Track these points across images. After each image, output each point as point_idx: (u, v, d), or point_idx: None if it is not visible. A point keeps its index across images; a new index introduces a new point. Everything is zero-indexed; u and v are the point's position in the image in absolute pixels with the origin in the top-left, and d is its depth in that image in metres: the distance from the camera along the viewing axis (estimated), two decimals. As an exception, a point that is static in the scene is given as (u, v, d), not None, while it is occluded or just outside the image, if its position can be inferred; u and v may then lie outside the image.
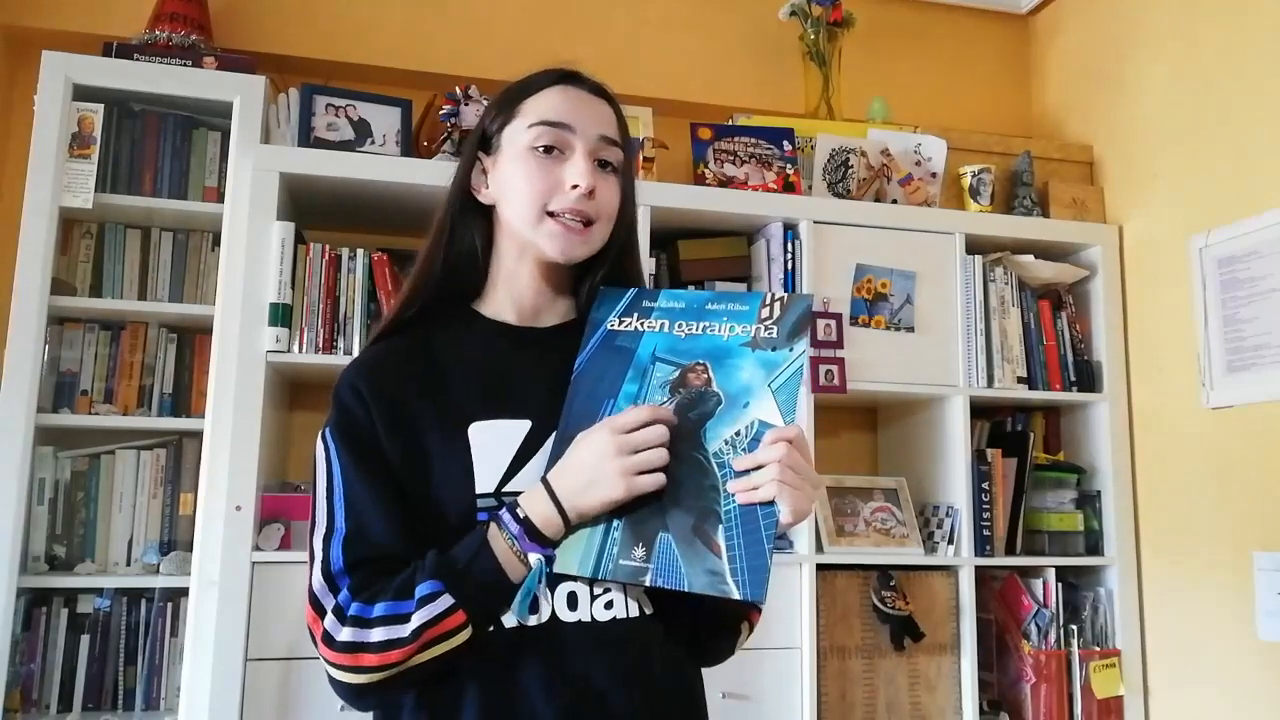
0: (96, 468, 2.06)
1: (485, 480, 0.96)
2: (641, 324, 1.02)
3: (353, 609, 0.90)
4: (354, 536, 0.94)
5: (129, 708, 1.97)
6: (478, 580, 0.91)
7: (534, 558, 0.92)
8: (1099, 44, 2.59)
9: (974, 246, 2.33)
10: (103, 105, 2.01)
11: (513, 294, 1.08)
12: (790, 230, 2.18)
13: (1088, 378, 2.37)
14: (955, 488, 2.21)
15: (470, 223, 1.09)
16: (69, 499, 2.03)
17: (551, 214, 1.02)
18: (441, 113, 2.11)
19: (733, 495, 0.91)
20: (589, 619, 0.95)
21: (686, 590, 0.89)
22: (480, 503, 0.96)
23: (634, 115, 2.37)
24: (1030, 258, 2.36)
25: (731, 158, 2.24)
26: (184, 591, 1.94)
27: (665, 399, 0.96)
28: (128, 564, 2.03)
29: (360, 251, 2.02)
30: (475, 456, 0.97)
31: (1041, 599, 2.24)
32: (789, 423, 0.93)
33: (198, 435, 1.96)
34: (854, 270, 2.20)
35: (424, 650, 0.89)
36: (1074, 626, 2.24)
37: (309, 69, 2.31)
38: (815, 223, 2.19)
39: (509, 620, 0.93)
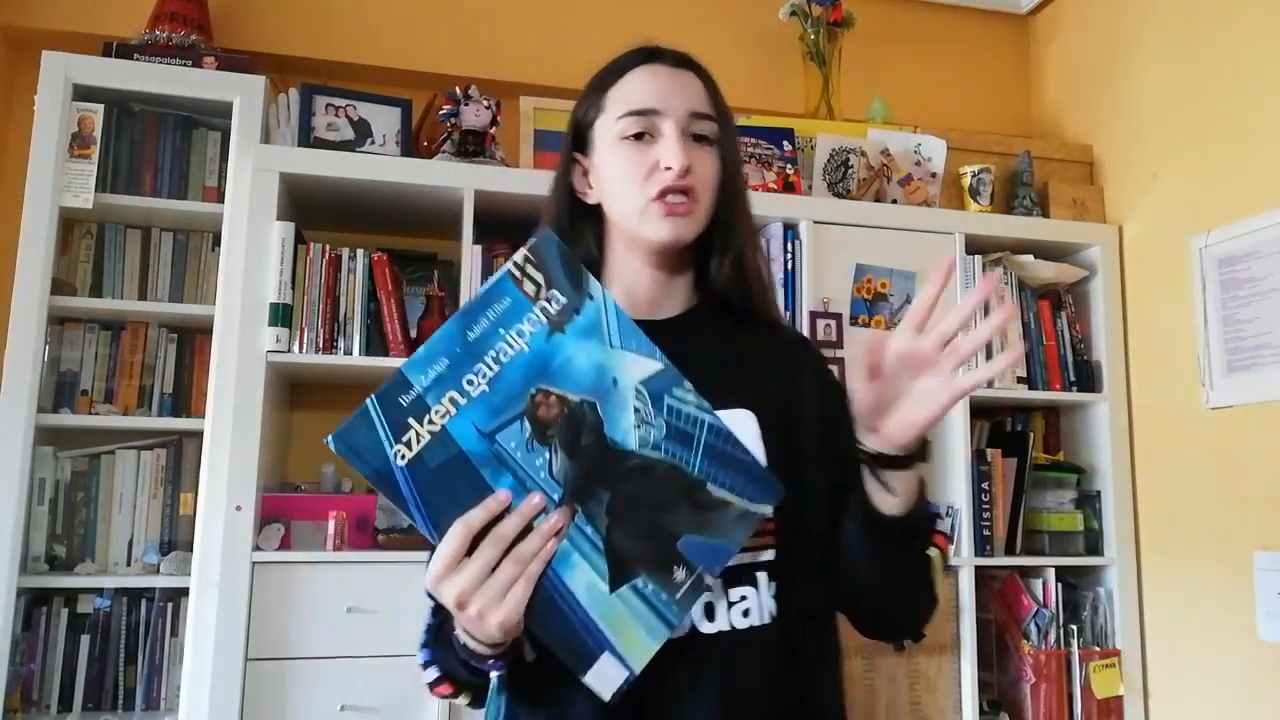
0: (96, 468, 2.06)
1: None
2: (429, 424, 0.78)
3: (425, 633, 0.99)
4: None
5: (129, 708, 1.97)
6: (454, 667, 0.90)
7: (494, 675, 0.90)
8: (1099, 44, 2.59)
9: (974, 246, 2.33)
10: (103, 105, 2.01)
11: (627, 288, 1.03)
12: (790, 230, 2.18)
13: (1088, 378, 2.37)
14: (955, 487, 2.21)
15: (582, 227, 1.05)
16: (69, 499, 2.03)
17: (653, 200, 0.97)
18: (441, 113, 2.11)
19: (692, 456, 0.82)
20: (728, 627, 0.91)
21: (737, 548, 0.83)
22: None
23: (634, 115, 2.37)
24: (1030, 258, 2.36)
25: (731, 158, 2.24)
26: (184, 591, 1.94)
27: (546, 458, 0.80)
28: (128, 564, 2.03)
29: (360, 251, 2.02)
30: None
31: (1041, 599, 2.24)
32: (659, 358, 0.82)
33: (198, 435, 1.96)
34: (854, 270, 2.20)
35: (451, 698, 0.96)
36: (1074, 626, 2.24)
37: (309, 69, 2.31)
38: (815, 223, 2.19)
39: None
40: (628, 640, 0.80)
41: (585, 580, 0.80)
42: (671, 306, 1.05)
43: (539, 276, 0.81)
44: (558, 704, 0.90)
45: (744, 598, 0.92)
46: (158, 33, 2.09)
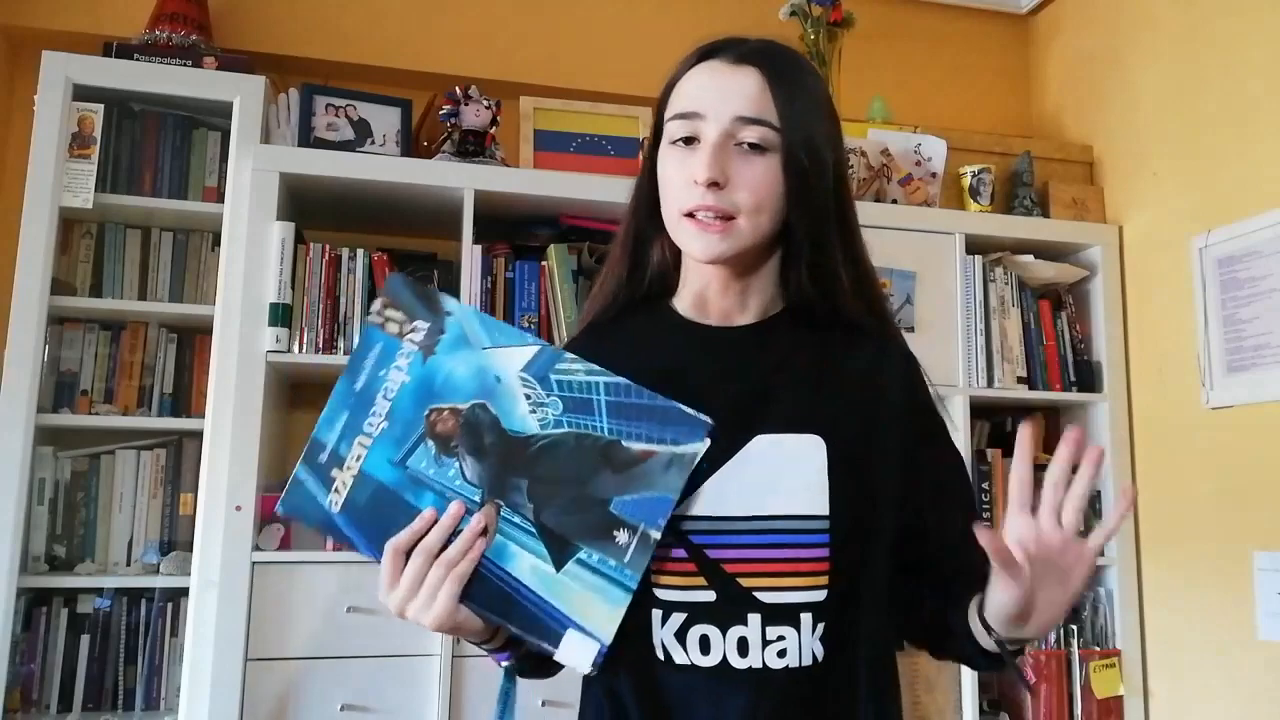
0: (96, 468, 2.06)
1: None
2: (349, 470, 0.86)
3: None
4: None
5: (129, 708, 1.97)
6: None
7: (504, 665, 0.92)
8: (1099, 44, 2.59)
9: (974, 246, 2.33)
10: (103, 105, 2.01)
11: (699, 294, 0.98)
12: (790, 230, 2.18)
13: (1088, 378, 2.37)
14: (955, 488, 2.21)
15: (656, 229, 0.99)
16: (69, 499, 2.03)
17: (684, 215, 0.91)
18: (441, 113, 2.11)
19: (596, 419, 0.84)
20: (760, 665, 0.86)
21: (676, 496, 0.83)
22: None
23: (633, 115, 2.37)
24: (1030, 258, 2.36)
25: (731, 158, 2.24)
26: (184, 591, 1.94)
27: (456, 467, 0.84)
28: (128, 564, 2.03)
29: (360, 251, 2.02)
30: None
31: (1041, 599, 2.23)
32: (531, 342, 0.85)
33: (198, 435, 1.96)
34: (854, 270, 2.20)
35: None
36: (1074, 626, 2.24)
37: (309, 69, 2.31)
38: (815, 223, 2.19)
39: (680, 659, 0.87)
40: (588, 614, 0.83)
41: (528, 566, 0.84)
42: (747, 314, 0.98)
43: (398, 315, 0.87)
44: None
45: (782, 637, 0.87)
46: (158, 33, 2.09)
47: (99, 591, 1.99)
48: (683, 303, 1.00)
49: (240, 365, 1.88)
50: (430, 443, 0.85)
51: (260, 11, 2.32)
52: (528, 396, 0.85)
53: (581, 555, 0.83)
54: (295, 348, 1.94)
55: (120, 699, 1.97)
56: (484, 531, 0.83)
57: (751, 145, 0.90)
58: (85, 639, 1.97)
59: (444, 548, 0.83)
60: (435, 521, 0.83)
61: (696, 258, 0.93)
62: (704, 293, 0.98)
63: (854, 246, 1.00)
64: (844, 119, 2.73)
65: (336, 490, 0.86)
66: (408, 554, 0.83)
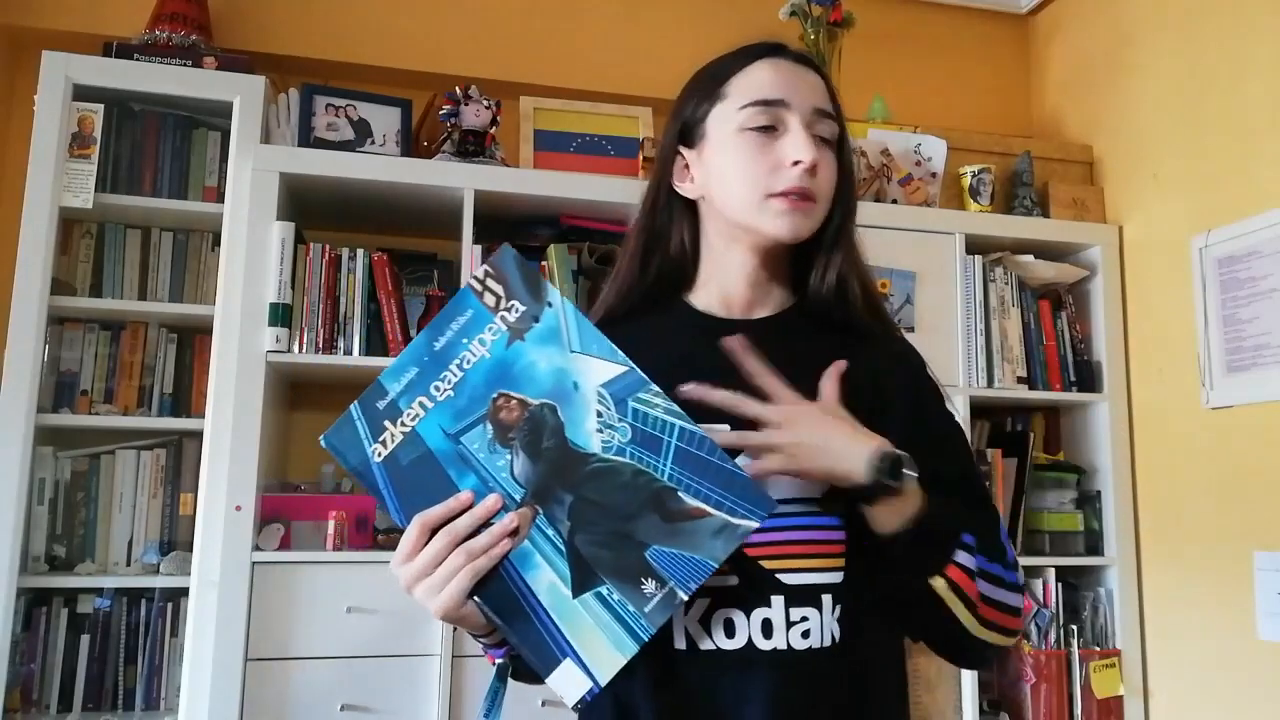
0: (96, 468, 2.06)
1: None
2: (401, 425, 0.84)
3: None
4: None
5: (129, 708, 1.97)
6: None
7: (498, 662, 0.92)
8: (1099, 44, 2.59)
9: (974, 246, 2.33)
10: (103, 105, 2.01)
11: (724, 285, 1.01)
12: (790, 230, 2.18)
13: (1088, 378, 2.37)
14: (955, 488, 2.21)
15: (677, 220, 1.03)
16: (69, 499, 2.03)
17: (776, 194, 0.94)
18: (441, 113, 2.11)
19: (661, 461, 0.81)
20: (785, 647, 0.88)
21: (716, 565, 0.80)
22: None
23: (633, 115, 2.38)
24: (1030, 258, 2.36)
25: (731, 158, 2.24)
26: (184, 591, 1.94)
27: (507, 458, 0.83)
28: (128, 564, 2.03)
29: (360, 251, 2.02)
30: None
31: (1041, 599, 2.24)
32: (622, 362, 0.82)
33: (198, 435, 1.96)
34: (854, 270, 2.20)
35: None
36: (1074, 626, 2.24)
37: (309, 69, 2.31)
38: (815, 223, 2.19)
39: (704, 644, 0.88)
40: (592, 650, 0.80)
41: (547, 581, 0.82)
42: (767, 305, 1.02)
43: (498, 288, 0.85)
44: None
45: (805, 618, 0.89)
46: (158, 33, 2.09)
47: (99, 591, 1.99)
48: (702, 297, 1.03)
49: (240, 365, 1.88)
50: (489, 426, 0.83)
51: (260, 11, 2.32)
52: (599, 414, 0.82)
53: (603, 590, 0.81)
54: (295, 348, 1.94)
55: (120, 699, 1.97)
56: (514, 532, 0.82)
57: (823, 139, 0.97)
58: (85, 639, 1.97)
59: (470, 536, 0.82)
60: (470, 507, 0.82)
61: (780, 237, 0.95)
62: (734, 285, 1.01)
63: (860, 251, 1.05)
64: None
65: (384, 441, 0.84)
66: (434, 531, 0.82)
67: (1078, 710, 2.20)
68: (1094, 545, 2.33)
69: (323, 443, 0.86)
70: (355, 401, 0.86)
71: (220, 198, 2.06)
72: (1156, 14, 2.38)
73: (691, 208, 1.03)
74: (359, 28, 2.36)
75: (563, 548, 0.82)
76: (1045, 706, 2.18)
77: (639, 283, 1.03)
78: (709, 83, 1.02)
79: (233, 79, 2.05)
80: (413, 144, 2.17)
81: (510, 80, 2.38)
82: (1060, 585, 2.25)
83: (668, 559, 0.80)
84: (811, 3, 2.50)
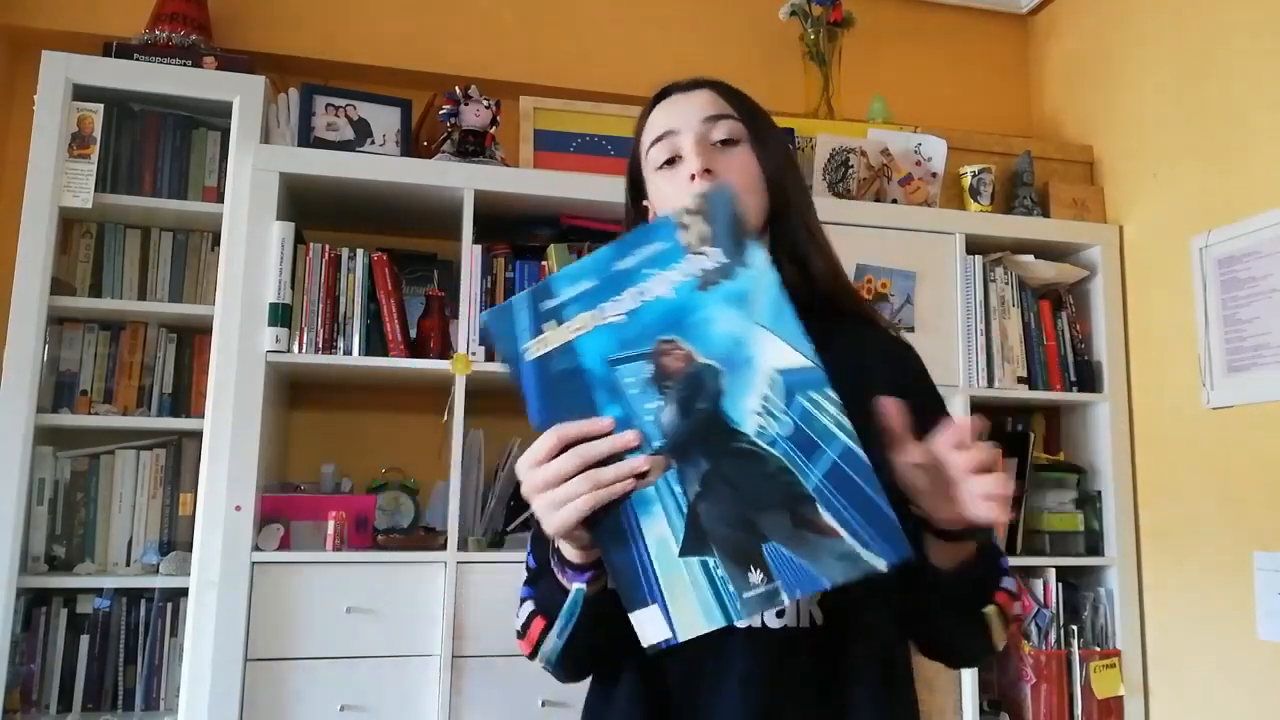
0: (96, 468, 2.06)
1: None
2: (560, 333, 0.81)
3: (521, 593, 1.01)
4: (537, 540, 0.99)
5: (129, 708, 1.97)
6: (550, 593, 0.93)
7: (575, 586, 0.90)
8: (1099, 44, 2.59)
9: (974, 246, 2.33)
10: (103, 105, 2.01)
11: None
12: (790, 230, 2.18)
13: (1088, 378, 2.37)
14: (955, 488, 2.21)
15: None
16: (69, 499, 2.03)
17: None
18: (441, 113, 2.11)
19: (812, 469, 0.77)
20: (759, 624, 0.93)
21: (829, 588, 0.78)
22: None
23: (633, 115, 2.36)
24: (1030, 258, 2.36)
25: (731, 158, 2.24)
26: (184, 591, 1.94)
27: (658, 403, 0.79)
28: (127, 564, 2.03)
29: (360, 251, 2.02)
30: None
31: (1042, 599, 2.24)
32: (807, 354, 0.78)
33: (198, 435, 1.96)
34: (854, 270, 2.20)
35: (540, 644, 0.95)
36: (1074, 626, 2.24)
37: (309, 69, 2.31)
38: (815, 223, 2.19)
39: None
40: (681, 607, 0.79)
41: (659, 532, 0.80)
42: None
43: (702, 229, 0.79)
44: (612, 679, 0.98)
45: None
46: (158, 33, 2.09)
47: (99, 591, 1.99)
48: None
49: (240, 365, 1.87)
50: (649, 366, 0.79)
51: (260, 11, 2.32)
52: (764, 398, 0.78)
53: (710, 561, 0.79)
54: (295, 348, 1.94)
55: (120, 699, 1.97)
56: (643, 475, 0.79)
57: (724, 141, 1.03)
58: (85, 639, 1.97)
59: (599, 464, 0.80)
60: (608, 434, 0.80)
61: None
62: None
63: (823, 235, 1.07)
64: (844, 119, 2.73)
65: (541, 341, 0.81)
66: (566, 447, 0.80)
67: (1078, 710, 2.20)
68: (1094, 545, 2.33)
69: (481, 318, 0.86)
70: (523, 292, 0.82)
71: (220, 198, 2.06)
72: (1156, 14, 2.38)
73: None
74: (359, 28, 2.36)
75: (684, 508, 0.79)
76: (1045, 706, 2.18)
77: None
78: (634, 139, 1.12)
79: (233, 79, 2.05)
80: (413, 144, 2.17)
81: (510, 80, 2.38)
82: (1060, 585, 2.25)
83: (783, 559, 0.78)
84: (811, 3, 2.50)
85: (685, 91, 1.08)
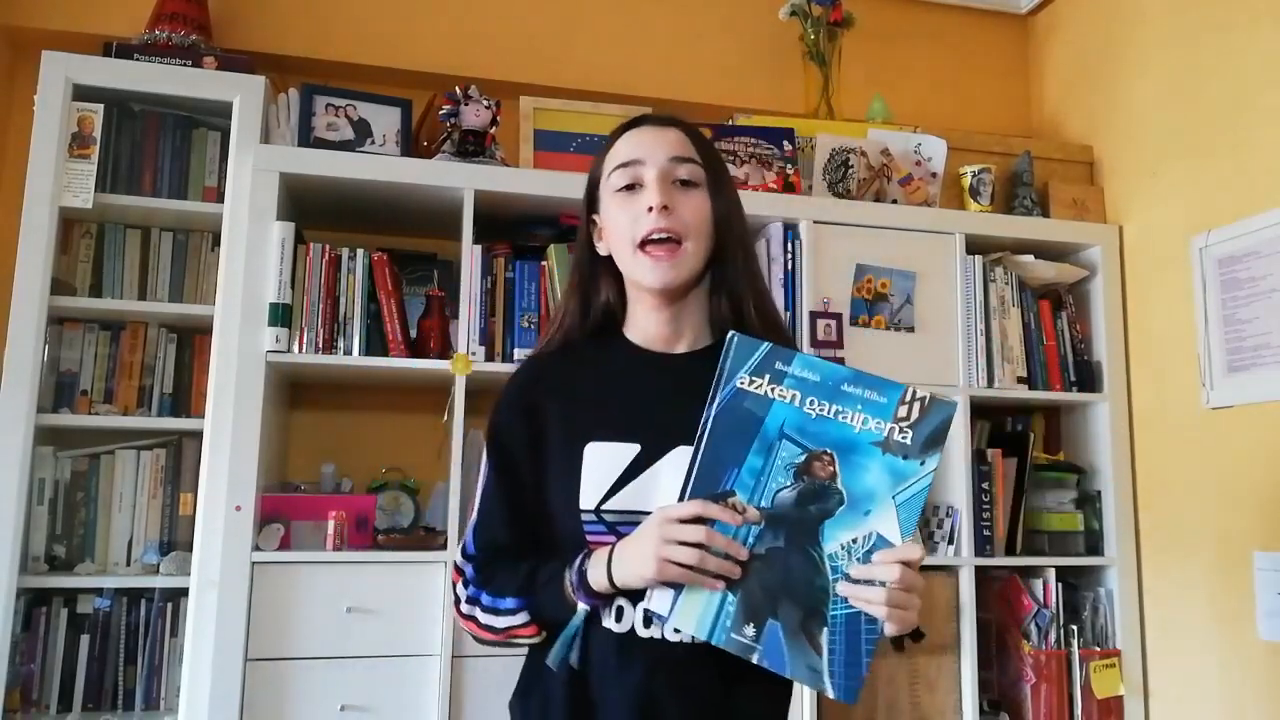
0: (96, 468, 2.06)
1: (588, 498, 1.07)
2: (772, 390, 1.00)
3: (470, 589, 1.12)
4: (482, 526, 1.14)
5: (129, 708, 1.97)
6: (546, 606, 1.06)
7: (581, 606, 1.03)
8: (1099, 44, 2.59)
9: (974, 246, 2.32)
10: (103, 105, 2.00)
11: (644, 328, 1.17)
12: (790, 230, 2.18)
13: (1088, 378, 2.37)
14: (955, 488, 2.21)
15: (601, 275, 1.19)
16: (69, 499, 2.03)
17: (642, 246, 1.09)
18: (441, 113, 2.11)
19: (841, 599, 0.95)
20: (659, 636, 1.05)
21: (787, 676, 0.96)
22: (584, 517, 1.07)
23: (633, 116, 2.37)
24: (1030, 258, 2.36)
25: (731, 158, 2.24)
26: (184, 591, 1.94)
27: (788, 484, 0.97)
28: (128, 564, 2.03)
29: (360, 251, 2.02)
30: (584, 475, 1.08)
31: (1041, 599, 2.24)
32: (907, 540, 0.95)
33: (198, 435, 1.96)
34: (854, 270, 2.20)
35: (510, 644, 1.11)
36: (1074, 626, 2.24)
37: (309, 69, 2.31)
38: (815, 223, 2.19)
39: (605, 621, 1.05)
40: (688, 604, 0.97)
41: None
42: (682, 342, 1.17)
43: (915, 414, 0.97)
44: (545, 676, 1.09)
45: None
46: (158, 33, 2.09)
47: (99, 591, 1.99)
48: (632, 333, 1.19)
49: (240, 365, 1.88)
50: (803, 457, 0.98)
51: (260, 11, 2.32)
52: (855, 540, 0.96)
53: (731, 597, 0.97)
54: (295, 348, 1.94)
55: (120, 699, 1.97)
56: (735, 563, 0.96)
57: (684, 181, 1.12)
58: (85, 639, 1.97)
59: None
60: (738, 525, 0.97)
61: (651, 285, 1.10)
62: (649, 326, 1.16)
63: (763, 283, 1.19)
64: (844, 119, 2.73)
65: (754, 382, 1.00)
66: (698, 520, 0.96)
67: (1078, 710, 2.20)
68: (1094, 545, 2.33)
69: (732, 333, 1.02)
70: (775, 345, 1.01)
71: (220, 198, 2.06)
72: (1156, 14, 2.38)
73: (615, 265, 1.17)
74: (359, 28, 2.36)
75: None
76: (1045, 706, 2.18)
77: (580, 327, 1.19)
78: (598, 158, 1.19)
79: (233, 79, 2.05)
80: (413, 144, 2.17)
81: (510, 80, 2.38)
82: (1060, 585, 2.25)
83: (774, 637, 0.96)
84: (811, 3, 2.50)
85: (658, 126, 1.16)
